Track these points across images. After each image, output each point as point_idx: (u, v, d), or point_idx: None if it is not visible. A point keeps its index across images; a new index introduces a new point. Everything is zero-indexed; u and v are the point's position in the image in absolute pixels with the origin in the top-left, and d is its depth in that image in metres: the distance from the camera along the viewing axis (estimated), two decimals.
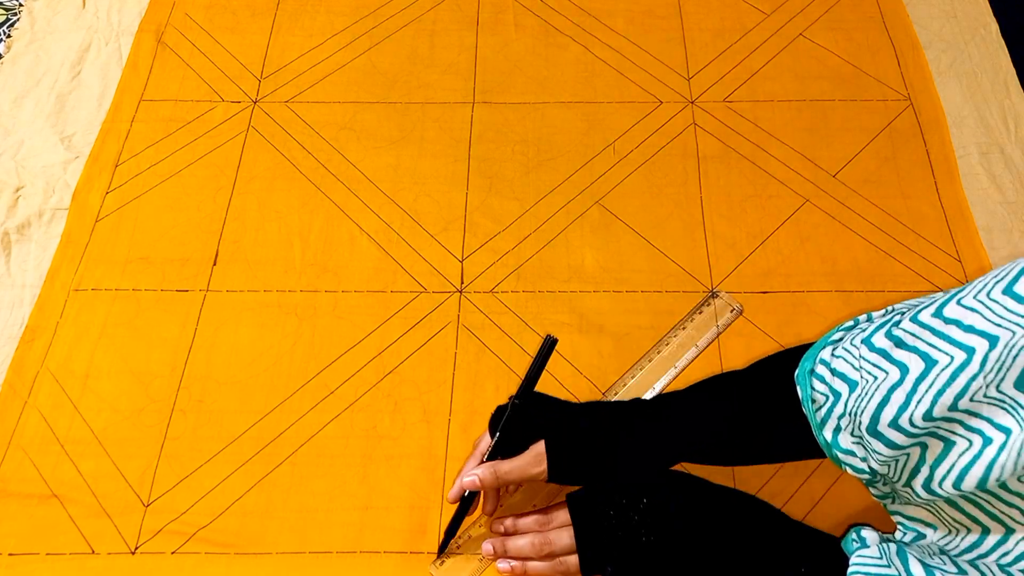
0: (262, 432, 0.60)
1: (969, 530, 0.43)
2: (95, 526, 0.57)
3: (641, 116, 0.77)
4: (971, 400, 0.38)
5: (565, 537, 0.49)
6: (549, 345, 0.50)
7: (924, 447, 0.41)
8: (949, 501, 0.43)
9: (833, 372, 0.44)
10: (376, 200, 0.72)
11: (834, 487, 0.57)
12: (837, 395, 0.43)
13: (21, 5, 0.88)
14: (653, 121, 0.77)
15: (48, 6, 0.87)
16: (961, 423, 0.39)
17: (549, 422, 0.50)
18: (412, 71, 0.81)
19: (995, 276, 0.39)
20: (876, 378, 0.41)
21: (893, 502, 0.46)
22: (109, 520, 0.57)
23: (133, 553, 0.55)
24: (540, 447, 0.49)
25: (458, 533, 0.54)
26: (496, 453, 0.51)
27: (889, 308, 0.45)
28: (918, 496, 0.42)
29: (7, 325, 0.66)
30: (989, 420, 0.38)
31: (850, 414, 0.43)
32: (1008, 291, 0.38)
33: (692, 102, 0.78)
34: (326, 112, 0.78)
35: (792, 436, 0.46)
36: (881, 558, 0.43)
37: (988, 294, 0.38)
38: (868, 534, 0.46)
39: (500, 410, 0.52)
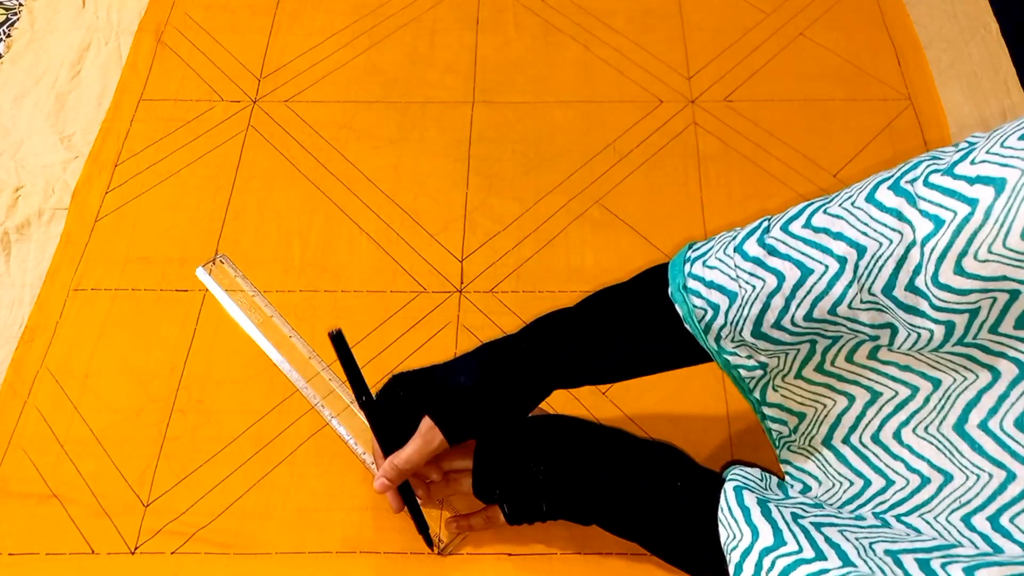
0: (261, 432, 0.60)
1: (851, 483, 0.46)
2: (95, 526, 0.57)
3: (641, 116, 0.77)
4: (849, 307, 0.40)
5: (464, 458, 0.52)
6: (337, 339, 0.48)
7: (814, 342, 0.44)
8: (838, 455, 0.45)
9: (709, 284, 0.44)
10: (376, 200, 0.72)
11: None
12: (716, 307, 0.44)
13: (21, 5, 0.88)
14: (653, 121, 0.77)
15: (48, 6, 0.87)
16: (844, 326, 0.41)
17: (426, 395, 0.50)
18: (412, 71, 0.81)
19: (859, 186, 0.41)
20: (754, 287, 0.42)
21: (787, 448, 0.48)
22: (109, 520, 0.57)
23: (133, 553, 0.55)
24: (428, 422, 0.49)
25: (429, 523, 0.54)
26: (388, 448, 0.50)
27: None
28: (809, 380, 0.45)
29: (7, 325, 0.66)
30: (867, 323, 0.41)
31: (731, 323, 0.44)
32: (870, 199, 0.39)
33: (692, 101, 0.78)
34: (326, 112, 0.78)
35: (667, 351, 0.47)
36: (762, 480, 0.46)
37: (852, 203, 0.40)
38: (750, 468, 0.48)
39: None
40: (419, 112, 0.78)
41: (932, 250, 0.37)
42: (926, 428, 0.43)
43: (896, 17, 0.84)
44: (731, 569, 0.42)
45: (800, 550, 0.40)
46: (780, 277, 0.41)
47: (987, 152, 0.36)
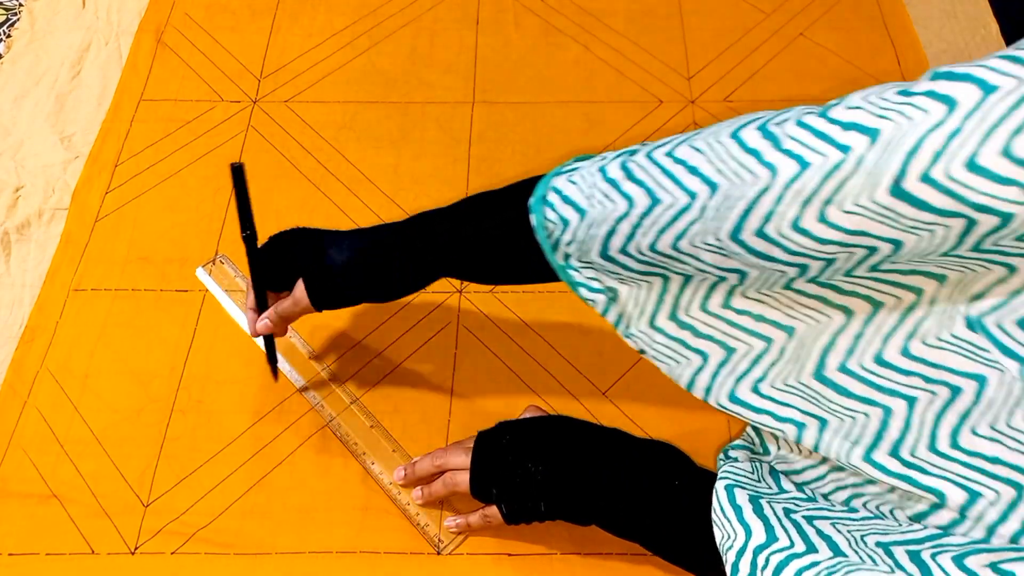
0: (261, 432, 0.60)
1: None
2: (95, 526, 0.57)
3: (641, 116, 0.77)
4: (691, 244, 0.39)
5: (461, 455, 0.52)
6: (237, 172, 0.50)
7: (665, 279, 0.43)
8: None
9: (564, 199, 0.43)
10: (376, 200, 0.72)
11: None
12: (566, 223, 0.43)
13: (21, 5, 0.88)
14: (653, 121, 0.77)
15: (48, 6, 0.87)
16: (690, 264, 0.41)
17: (303, 261, 0.52)
18: (412, 71, 0.81)
19: (731, 121, 0.40)
20: (604, 208, 0.41)
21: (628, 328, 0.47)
22: (109, 520, 0.57)
23: (133, 553, 0.55)
24: (301, 284, 0.52)
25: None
26: (260, 288, 0.54)
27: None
28: (664, 332, 0.45)
29: (7, 325, 0.66)
30: (713, 264, 0.40)
31: (578, 242, 0.43)
32: (735, 135, 0.38)
33: (692, 102, 0.78)
34: (326, 112, 0.78)
35: (527, 260, 0.46)
36: (753, 473, 0.45)
37: (718, 138, 0.39)
38: (739, 453, 0.48)
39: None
40: (419, 112, 0.78)
41: (797, 193, 0.35)
42: (785, 380, 0.43)
43: (896, 17, 0.84)
44: (727, 569, 0.42)
45: (792, 544, 0.40)
46: (630, 202, 0.41)
47: (864, 100, 0.36)
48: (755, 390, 0.44)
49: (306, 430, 0.60)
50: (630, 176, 0.41)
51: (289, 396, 0.62)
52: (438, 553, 0.55)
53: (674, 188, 0.39)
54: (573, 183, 0.43)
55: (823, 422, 0.42)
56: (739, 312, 0.43)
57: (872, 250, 0.36)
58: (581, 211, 0.42)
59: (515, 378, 0.62)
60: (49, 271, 0.69)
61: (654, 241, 0.40)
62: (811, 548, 0.39)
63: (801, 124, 0.36)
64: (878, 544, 0.39)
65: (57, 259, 0.69)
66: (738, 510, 0.43)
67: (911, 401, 0.40)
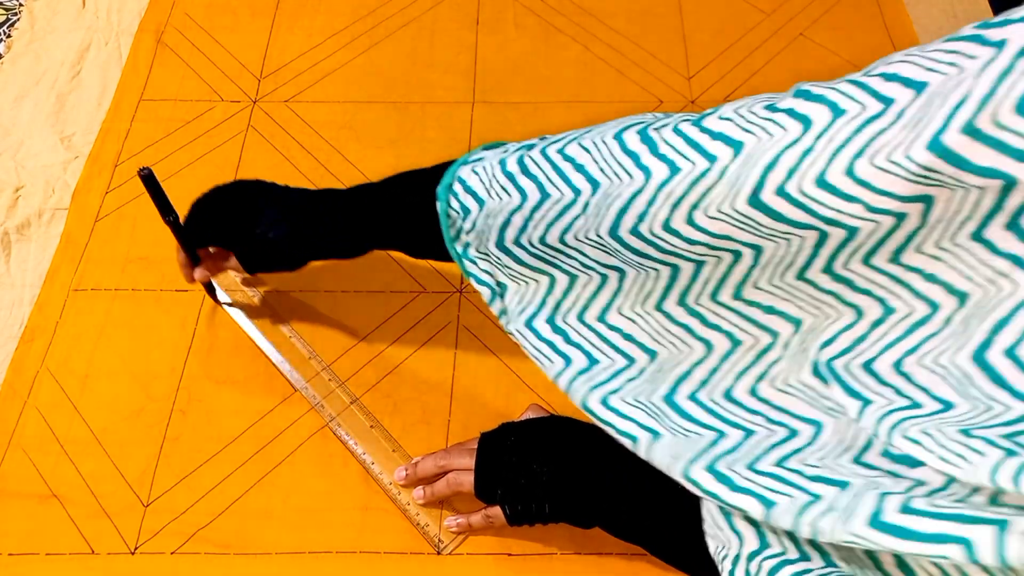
0: (261, 432, 0.60)
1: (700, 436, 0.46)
2: (95, 526, 0.57)
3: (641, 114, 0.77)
4: (575, 238, 0.43)
5: (466, 457, 0.52)
6: (147, 179, 0.53)
7: (552, 279, 0.47)
8: (679, 411, 0.45)
9: (466, 189, 0.46)
10: None
11: None
12: (467, 211, 0.46)
13: (21, 5, 0.88)
14: None
15: (48, 6, 0.87)
16: (576, 259, 0.44)
17: (236, 236, 0.56)
18: (412, 71, 0.81)
19: (616, 122, 0.44)
20: (501, 200, 0.45)
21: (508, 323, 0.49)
22: (109, 520, 0.57)
23: (133, 553, 0.55)
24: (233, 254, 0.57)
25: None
26: (191, 249, 0.58)
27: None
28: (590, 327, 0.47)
29: (7, 325, 0.66)
30: (596, 260, 0.44)
31: (477, 232, 0.46)
32: (617, 136, 0.42)
33: (692, 101, 0.78)
34: (326, 112, 0.78)
35: (438, 241, 0.49)
36: None
37: (603, 137, 0.43)
38: None
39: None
40: (419, 112, 0.78)
41: (668, 196, 0.39)
42: (636, 397, 0.45)
43: (896, 17, 0.84)
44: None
45: (784, 551, 0.40)
46: (524, 196, 0.44)
47: (735, 112, 0.38)
48: (603, 401, 0.45)
49: (306, 430, 0.60)
50: (525, 171, 0.44)
51: (289, 396, 0.62)
52: (438, 553, 0.55)
53: (562, 184, 0.43)
54: (476, 174, 0.46)
55: (656, 435, 0.43)
56: (611, 328, 0.46)
57: (737, 254, 0.39)
58: (480, 201, 0.45)
59: (515, 378, 0.62)
60: (49, 271, 0.69)
61: (544, 234, 0.44)
62: (803, 556, 0.39)
63: (676, 131, 0.39)
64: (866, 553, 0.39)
65: (57, 259, 0.69)
66: (728, 517, 0.42)
67: (748, 432, 0.42)
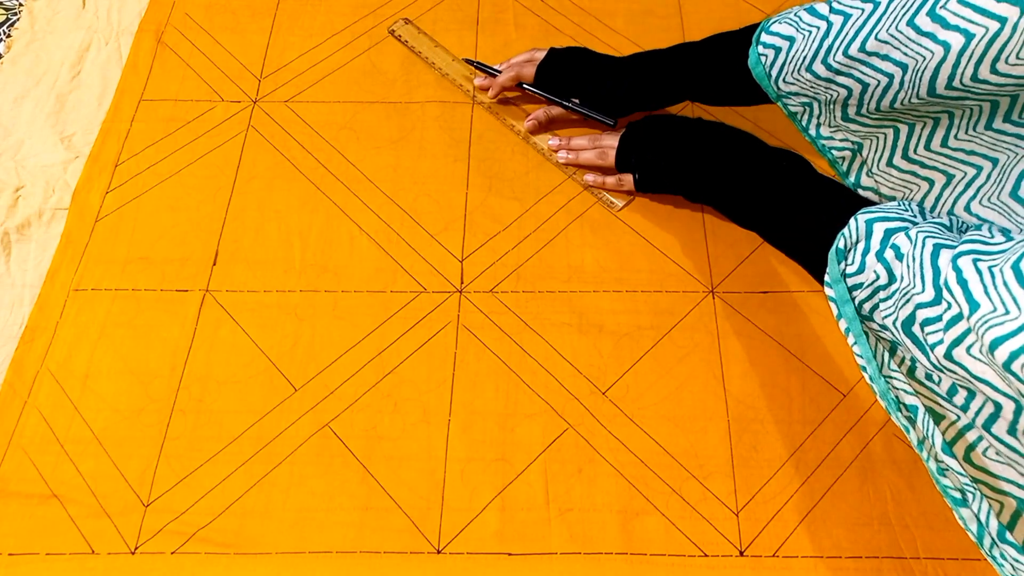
0: (262, 432, 0.60)
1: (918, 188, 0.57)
2: (95, 526, 0.57)
3: (641, 116, 0.77)
4: (902, 103, 0.52)
5: (613, 139, 0.69)
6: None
7: (896, 129, 0.56)
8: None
9: (795, 94, 0.58)
10: (376, 200, 0.72)
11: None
12: (778, 50, 0.58)
13: (21, 5, 0.88)
14: None
15: (48, 6, 0.87)
16: (909, 114, 0.54)
17: (587, 83, 0.72)
18: (412, 71, 0.81)
19: (902, 7, 0.50)
20: (830, 95, 0.56)
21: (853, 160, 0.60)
22: (109, 520, 0.57)
23: (133, 553, 0.56)
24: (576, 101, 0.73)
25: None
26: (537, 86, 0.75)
27: None
28: (898, 168, 0.57)
29: (7, 325, 0.66)
30: (927, 111, 0.53)
31: (825, 113, 0.58)
32: (911, 23, 0.49)
33: (692, 101, 0.78)
34: (326, 112, 0.78)
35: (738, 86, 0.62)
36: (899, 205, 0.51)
37: (897, 27, 0.50)
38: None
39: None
40: (419, 112, 0.78)
41: (969, 58, 0.46)
42: (989, 199, 0.53)
43: None
44: (990, 346, 0.40)
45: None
46: (848, 91, 0.55)
47: None
48: (966, 208, 0.54)
49: (306, 430, 0.60)
50: (839, 72, 0.54)
51: (289, 396, 0.62)
52: (438, 552, 0.55)
53: (876, 74, 0.52)
54: (790, 83, 0.58)
55: (1007, 236, 0.48)
56: (955, 149, 0.54)
57: None
58: (815, 98, 0.58)
59: (515, 378, 0.62)
60: (49, 271, 0.69)
61: (876, 106, 0.54)
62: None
63: (962, 2, 0.46)
64: None
65: (57, 259, 0.69)
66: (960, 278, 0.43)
67: None
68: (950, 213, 0.55)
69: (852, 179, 0.61)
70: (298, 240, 0.70)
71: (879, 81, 0.52)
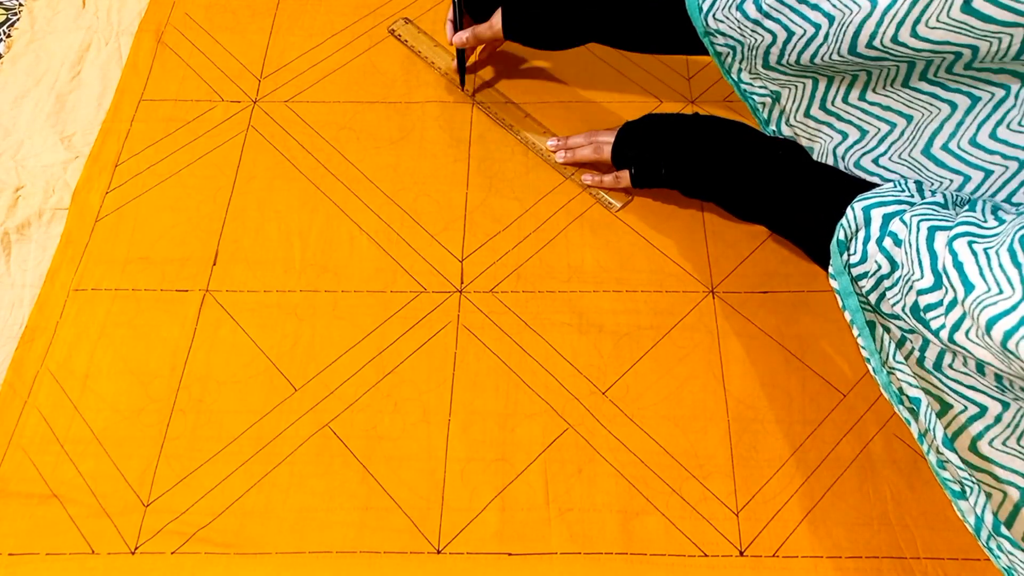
0: (262, 432, 0.60)
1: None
2: (95, 526, 0.57)
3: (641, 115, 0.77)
4: (823, 59, 0.54)
5: (609, 135, 0.69)
6: None
7: (815, 80, 0.59)
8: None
9: (720, 33, 0.59)
10: (376, 200, 0.72)
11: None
12: (732, 48, 0.59)
13: (21, 5, 0.88)
14: None
15: (48, 6, 0.87)
16: (825, 70, 0.56)
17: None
18: (412, 71, 0.81)
19: None
20: (755, 39, 0.57)
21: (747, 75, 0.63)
22: (109, 520, 0.57)
23: (133, 553, 0.56)
24: (497, 14, 0.70)
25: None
26: (461, 10, 0.73)
27: None
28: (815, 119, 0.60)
29: (7, 325, 0.66)
30: (845, 68, 0.55)
31: (746, 61, 0.60)
32: None
33: (692, 101, 0.78)
34: (326, 112, 0.78)
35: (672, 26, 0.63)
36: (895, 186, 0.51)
37: None
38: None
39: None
40: (419, 112, 0.78)
41: (893, 17, 0.48)
42: (900, 155, 0.55)
43: None
44: (986, 326, 0.40)
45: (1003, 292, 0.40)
46: (773, 36, 0.57)
47: None
48: (875, 161, 0.57)
49: (306, 430, 0.60)
50: (767, 15, 0.56)
51: (289, 396, 0.62)
52: (438, 552, 0.55)
53: (802, 22, 0.54)
54: (720, 21, 0.59)
55: (919, 186, 0.53)
56: (871, 103, 0.57)
57: (957, 55, 0.48)
58: (739, 42, 0.59)
59: (515, 378, 0.62)
60: (49, 271, 0.69)
61: (798, 59, 0.56)
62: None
63: None
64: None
65: (57, 259, 0.69)
66: (956, 261, 0.44)
67: (988, 173, 0.51)
68: (857, 165, 0.58)
69: (772, 127, 0.63)
70: (298, 240, 0.70)
71: (805, 31, 0.54)
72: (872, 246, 0.48)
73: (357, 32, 0.84)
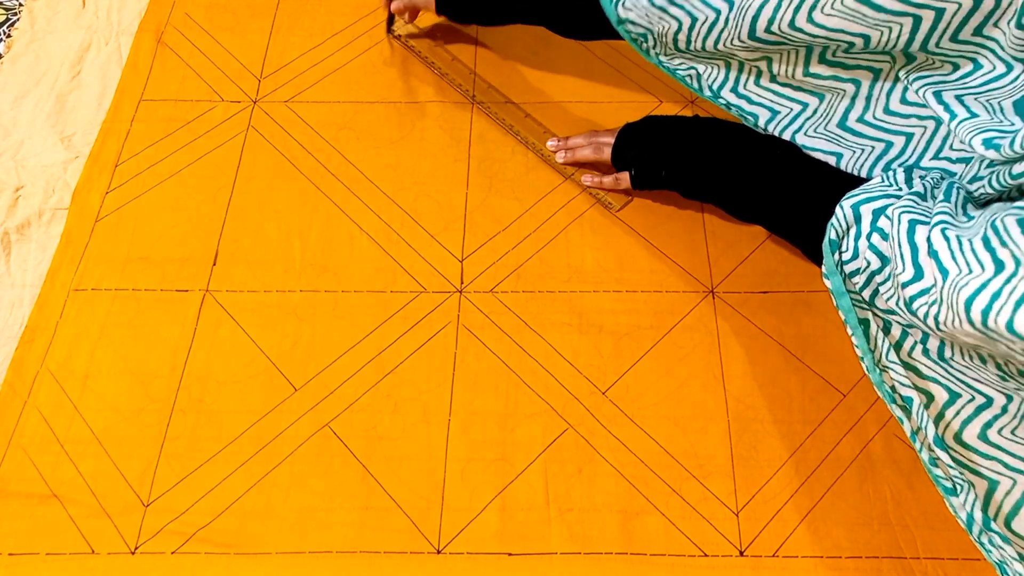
0: (262, 432, 0.60)
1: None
2: (95, 526, 0.57)
3: (641, 115, 0.77)
4: (725, 45, 0.57)
5: (609, 136, 0.69)
6: None
7: (727, 64, 0.61)
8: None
9: (633, 23, 0.62)
10: (376, 200, 0.72)
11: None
12: (645, 37, 0.62)
13: (21, 5, 0.88)
14: None
15: (48, 6, 0.87)
16: (734, 56, 0.59)
17: None
18: (412, 71, 0.81)
19: None
20: (664, 26, 0.60)
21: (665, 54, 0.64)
22: (109, 520, 0.57)
23: (133, 553, 0.56)
24: None
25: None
26: None
27: None
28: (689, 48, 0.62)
29: (7, 325, 0.66)
30: (747, 57, 0.59)
31: (661, 45, 0.62)
32: None
33: (692, 102, 0.78)
34: (326, 112, 0.78)
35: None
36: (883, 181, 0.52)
37: None
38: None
39: None
40: (419, 112, 0.78)
41: (790, 3, 0.51)
42: (816, 129, 0.59)
43: None
44: (964, 307, 0.40)
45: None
46: (679, 22, 0.59)
47: None
48: (793, 136, 0.61)
49: (306, 430, 0.60)
50: (672, 2, 0.59)
51: (289, 396, 0.62)
52: (438, 552, 0.55)
53: (704, 7, 0.57)
54: (629, 10, 0.61)
55: (839, 156, 0.58)
56: (782, 84, 0.60)
57: (850, 44, 0.51)
58: (648, 30, 0.62)
59: (515, 378, 0.62)
60: (49, 271, 0.69)
61: (703, 44, 0.59)
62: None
63: None
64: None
65: (57, 259, 0.69)
66: (932, 250, 0.45)
67: (908, 137, 0.54)
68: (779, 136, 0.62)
69: (708, 93, 0.65)
70: (298, 240, 0.70)
71: (707, 16, 0.57)
72: (863, 242, 0.48)
73: (357, 32, 0.84)
